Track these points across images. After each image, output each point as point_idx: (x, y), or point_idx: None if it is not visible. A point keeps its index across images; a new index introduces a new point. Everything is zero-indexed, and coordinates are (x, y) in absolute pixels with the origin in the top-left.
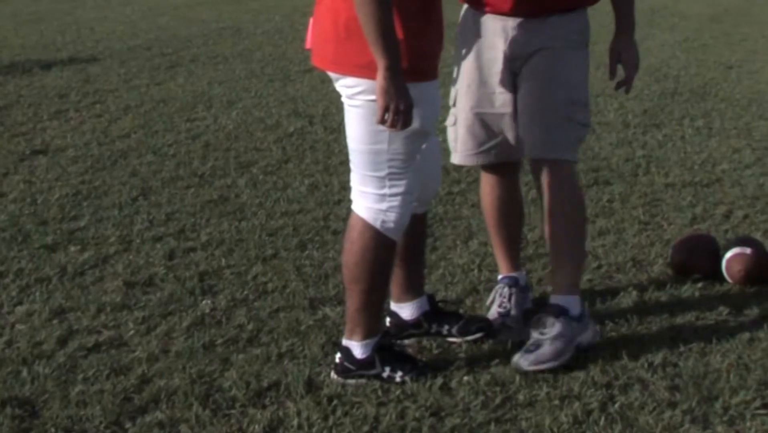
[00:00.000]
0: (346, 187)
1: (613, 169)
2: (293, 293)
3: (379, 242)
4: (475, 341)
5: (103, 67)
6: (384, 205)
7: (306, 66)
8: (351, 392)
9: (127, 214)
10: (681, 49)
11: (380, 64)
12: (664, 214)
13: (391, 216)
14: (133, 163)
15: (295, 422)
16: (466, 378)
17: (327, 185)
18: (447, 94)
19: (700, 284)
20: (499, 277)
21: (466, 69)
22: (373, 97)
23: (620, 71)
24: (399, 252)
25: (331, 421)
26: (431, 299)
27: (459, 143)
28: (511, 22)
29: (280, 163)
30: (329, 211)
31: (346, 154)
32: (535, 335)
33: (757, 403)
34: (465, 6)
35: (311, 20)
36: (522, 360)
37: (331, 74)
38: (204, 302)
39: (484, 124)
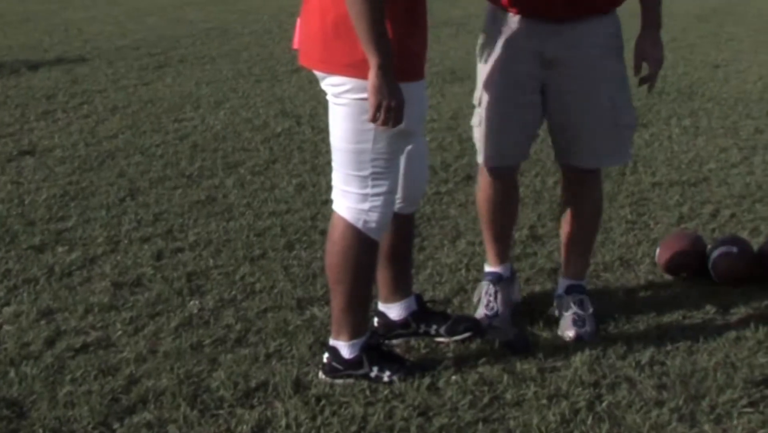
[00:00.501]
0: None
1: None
2: (281, 293)
3: (361, 242)
4: (462, 341)
5: (91, 68)
6: (366, 205)
7: (293, 66)
8: (339, 392)
9: (115, 215)
10: (668, 48)
11: (372, 62)
12: (651, 214)
13: (373, 216)
14: (120, 164)
15: (283, 422)
16: (453, 378)
17: (314, 185)
18: (432, 96)
19: (687, 283)
20: (485, 271)
21: (493, 69)
22: (360, 95)
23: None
24: (387, 252)
25: (319, 421)
26: (419, 299)
27: (484, 144)
28: (543, 26)
29: (267, 163)
30: (317, 211)
31: None
32: (579, 311)
33: (744, 401)
34: (489, 6)
35: (299, 20)
36: (582, 333)
37: (318, 73)
38: (192, 302)
39: (509, 125)
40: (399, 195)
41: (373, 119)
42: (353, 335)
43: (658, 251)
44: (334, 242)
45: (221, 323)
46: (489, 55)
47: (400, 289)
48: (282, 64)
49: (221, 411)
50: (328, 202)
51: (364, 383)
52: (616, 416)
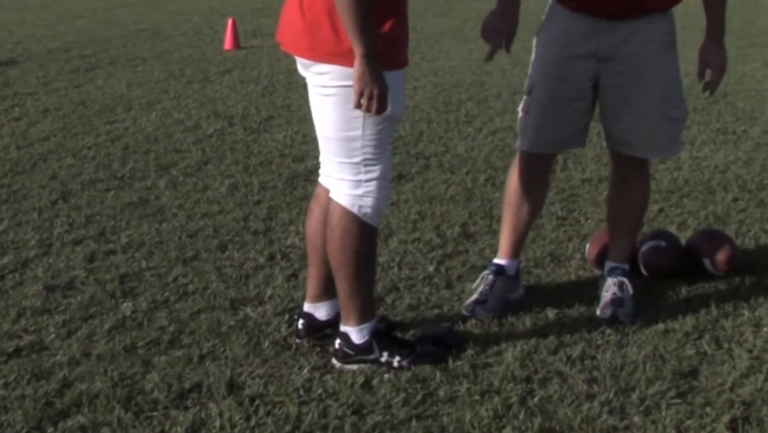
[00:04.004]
0: (266, 188)
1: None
2: (214, 294)
3: (358, 227)
4: None
5: (22, 70)
6: (360, 191)
7: (225, 67)
8: (273, 391)
9: (47, 218)
10: None
11: (357, 51)
12: (582, 210)
13: (368, 201)
14: (52, 167)
15: (217, 423)
16: (387, 376)
17: (247, 186)
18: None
19: None
20: (492, 262)
21: (548, 61)
22: (346, 82)
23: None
24: (320, 251)
25: (253, 421)
26: None
27: (530, 131)
28: (602, 23)
29: (199, 164)
30: (249, 211)
31: (266, 155)
32: (618, 293)
33: (673, 393)
34: (551, 0)
35: (283, 9)
36: (620, 313)
37: (304, 61)
38: (125, 304)
39: (559, 117)
40: None
41: (357, 105)
42: (361, 319)
43: (588, 246)
44: (332, 229)
45: (154, 325)
46: (544, 47)
47: (331, 288)
48: (213, 65)
49: (155, 413)
50: (261, 202)
51: (298, 382)
52: (548, 410)
